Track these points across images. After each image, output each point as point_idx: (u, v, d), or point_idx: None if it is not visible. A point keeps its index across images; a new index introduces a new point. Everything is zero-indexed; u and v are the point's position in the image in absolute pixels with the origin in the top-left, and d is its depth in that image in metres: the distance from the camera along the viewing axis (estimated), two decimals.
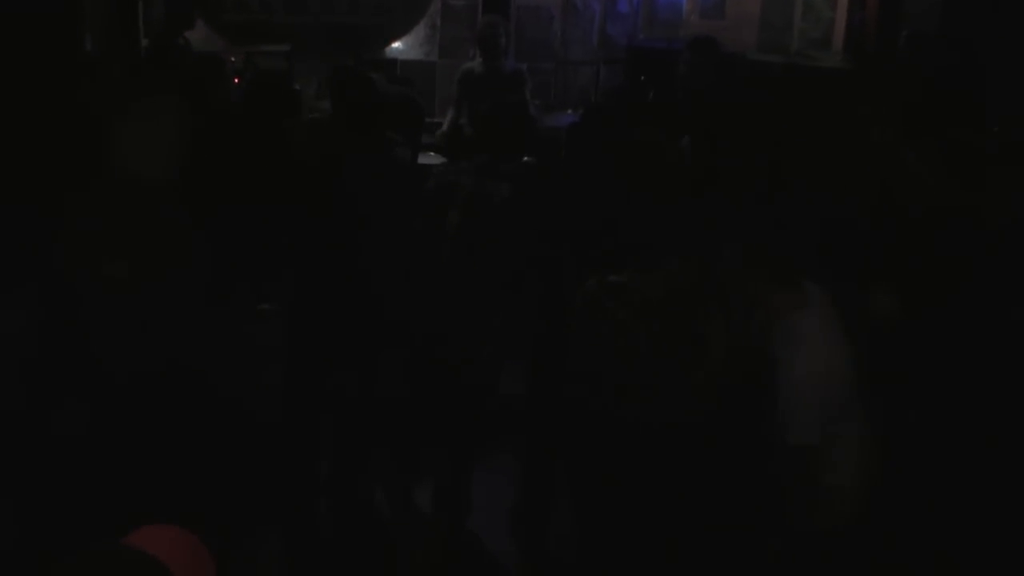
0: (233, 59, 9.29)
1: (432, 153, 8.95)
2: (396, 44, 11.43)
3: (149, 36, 9.82)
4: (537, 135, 6.78)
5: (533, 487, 6.31)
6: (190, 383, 4.76)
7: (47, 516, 4.43)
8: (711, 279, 4.44)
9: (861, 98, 8.18)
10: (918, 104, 7.32)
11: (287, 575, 6.04)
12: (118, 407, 4.59)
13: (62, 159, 5.78)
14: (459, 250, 5.82)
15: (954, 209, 5.51)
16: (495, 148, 6.00)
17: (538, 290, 5.81)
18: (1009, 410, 5.04)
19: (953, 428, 5.14)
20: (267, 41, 10.28)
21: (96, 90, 6.74)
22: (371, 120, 6.32)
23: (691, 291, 4.41)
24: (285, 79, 8.74)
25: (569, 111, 10.34)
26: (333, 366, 6.47)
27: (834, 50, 11.21)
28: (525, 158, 6.59)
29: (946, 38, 9.18)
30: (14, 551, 4.32)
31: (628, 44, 11.05)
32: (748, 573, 4.75)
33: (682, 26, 11.60)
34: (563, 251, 5.61)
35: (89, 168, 4.98)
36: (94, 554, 2.27)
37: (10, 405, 4.57)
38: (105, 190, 4.77)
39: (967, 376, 5.11)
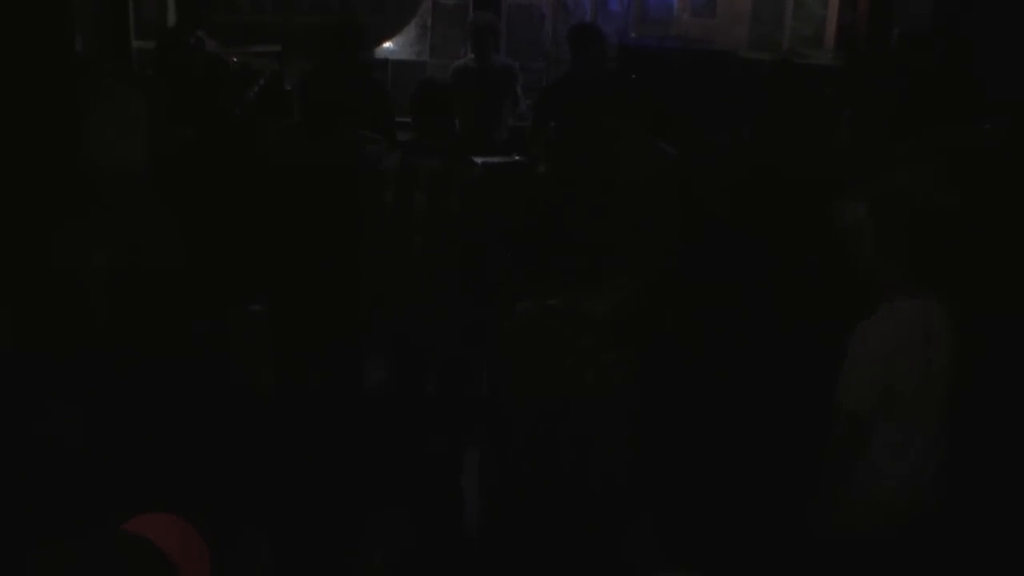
0: (228, 60, 9.28)
1: None
2: (387, 44, 11.42)
3: (148, 35, 9.82)
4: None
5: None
6: (183, 379, 4.78)
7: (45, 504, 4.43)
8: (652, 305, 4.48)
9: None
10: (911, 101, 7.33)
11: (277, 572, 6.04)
12: (114, 400, 4.61)
13: (53, 158, 5.78)
14: (429, 232, 5.85)
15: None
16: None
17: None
18: None
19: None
20: (258, 42, 10.27)
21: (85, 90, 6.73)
22: (334, 120, 6.33)
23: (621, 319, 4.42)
24: (276, 80, 8.74)
25: None
26: (318, 362, 6.50)
27: (825, 48, 11.20)
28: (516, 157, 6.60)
29: (938, 36, 9.17)
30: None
31: (619, 42, 11.03)
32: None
33: (673, 24, 11.60)
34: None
35: (75, 164, 4.99)
36: (93, 538, 2.34)
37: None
38: (90, 185, 4.79)
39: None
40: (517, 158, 7.79)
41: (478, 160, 6.61)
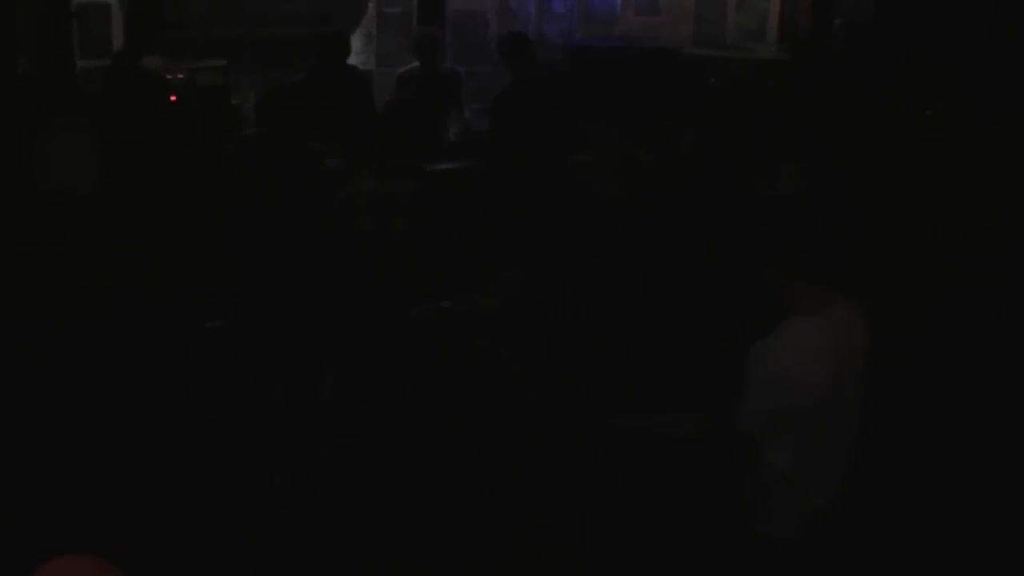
0: (174, 76, 9.25)
1: None
2: None
3: (93, 55, 9.77)
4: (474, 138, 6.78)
5: None
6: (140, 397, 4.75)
7: None
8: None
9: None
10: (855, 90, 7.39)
11: None
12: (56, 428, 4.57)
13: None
14: (376, 252, 5.87)
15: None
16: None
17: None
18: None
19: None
20: (205, 57, 10.25)
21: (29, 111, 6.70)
22: (291, 133, 6.33)
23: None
24: (223, 95, 8.73)
25: None
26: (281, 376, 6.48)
27: (769, 41, 11.28)
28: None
29: (879, 26, 9.26)
30: None
31: (564, 44, 11.07)
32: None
33: (618, 24, 11.65)
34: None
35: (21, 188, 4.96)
36: None
37: None
38: (38, 209, 4.76)
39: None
40: (466, 163, 7.80)
41: (426, 167, 6.62)
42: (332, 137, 6.86)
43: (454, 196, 5.97)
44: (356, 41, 11.46)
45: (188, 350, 6.18)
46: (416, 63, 9.71)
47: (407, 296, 5.07)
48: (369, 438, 5.65)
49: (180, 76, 9.26)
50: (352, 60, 11.29)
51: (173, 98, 8.72)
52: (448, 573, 4.46)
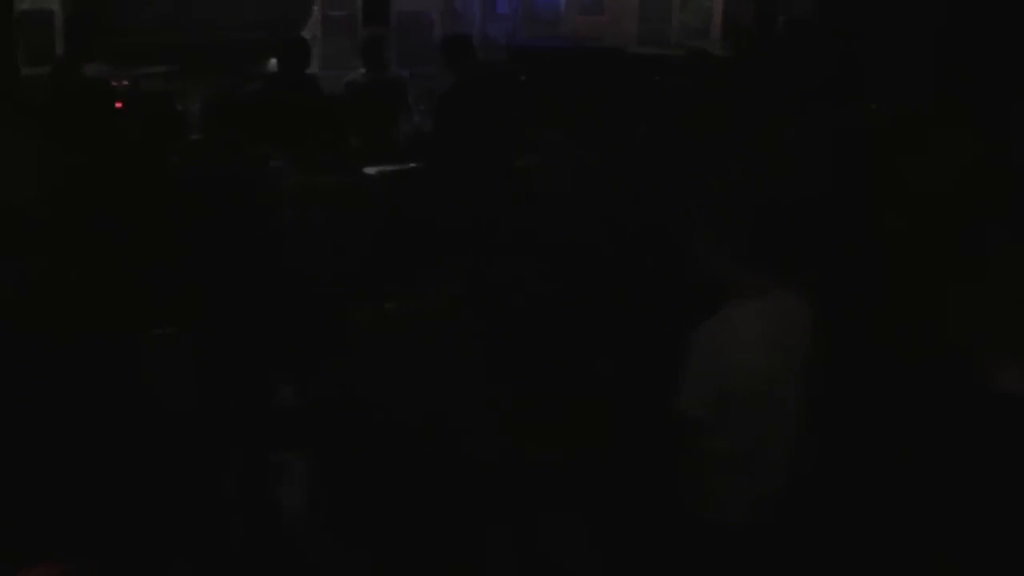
0: (117, 84, 9.21)
1: None
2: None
3: (36, 63, 9.71)
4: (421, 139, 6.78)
5: None
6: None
7: None
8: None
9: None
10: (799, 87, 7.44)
11: None
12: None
13: None
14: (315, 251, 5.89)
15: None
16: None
17: None
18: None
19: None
20: (150, 64, 10.20)
21: None
22: (233, 137, 6.33)
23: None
24: (167, 101, 8.69)
25: None
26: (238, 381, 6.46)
27: (713, 38, 11.35)
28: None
29: (822, 23, 9.32)
30: None
31: (508, 44, 11.09)
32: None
33: (562, 23, 11.69)
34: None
35: None
36: None
37: None
38: None
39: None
40: (413, 165, 7.80)
41: (373, 170, 6.62)
42: (285, 142, 6.85)
43: (397, 197, 5.97)
44: None
45: (136, 357, 6.16)
46: (362, 70, 9.71)
47: (351, 296, 5.07)
48: (319, 441, 5.66)
49: (125, 83, 9.21)
50: None
51: (118, 105, 8.67)
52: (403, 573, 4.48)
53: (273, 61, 11.01)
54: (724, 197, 4.19)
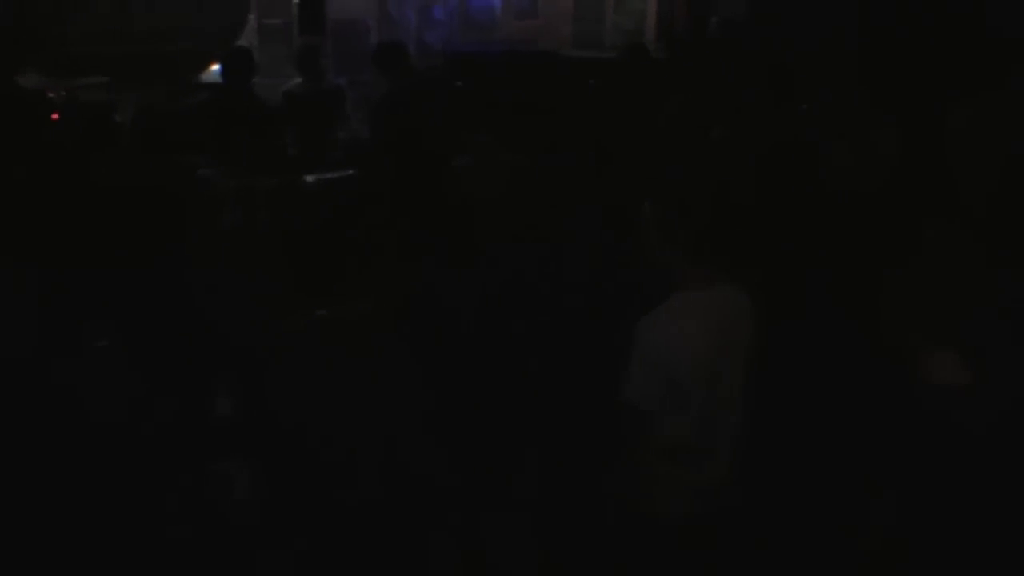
0: (54, 95, 9.16)
1: None
2: (216, 67, 11.33)
3: None
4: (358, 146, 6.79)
5: None
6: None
7: None
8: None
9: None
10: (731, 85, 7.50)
11: None
12: None
13: None
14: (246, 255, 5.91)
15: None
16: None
17: None
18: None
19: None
20: (89, 74, 10.14)
21: None
22: (159, 145, 6.33)
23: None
24: (105, 111, 8.65)
25: None
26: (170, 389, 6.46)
27: (647, 40, 11.40)
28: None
29: (755, 23, 9.40)
30: None
31: (444, 50, 11.11)
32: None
33: (497, 28, 11.73)
34: None
35: None
36: None
37: None
38: None
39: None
40: (350, 172, 7.82)
41: (311, 178, 6.63)
42: (222, 150, 6.86)
43: (332, 202, 5.98)
44: None
45: (74, 370, 6.15)
46: (298, 80, 9.71)
47: (281, 303, 5.08)
48: (256, 449, 5.67)
49: (63, 93, 9.17)
50: None
51: (54, 116, 8.64)
52: None
53: (215, 68, 11.04)
54: (674, 190, 4.23)
